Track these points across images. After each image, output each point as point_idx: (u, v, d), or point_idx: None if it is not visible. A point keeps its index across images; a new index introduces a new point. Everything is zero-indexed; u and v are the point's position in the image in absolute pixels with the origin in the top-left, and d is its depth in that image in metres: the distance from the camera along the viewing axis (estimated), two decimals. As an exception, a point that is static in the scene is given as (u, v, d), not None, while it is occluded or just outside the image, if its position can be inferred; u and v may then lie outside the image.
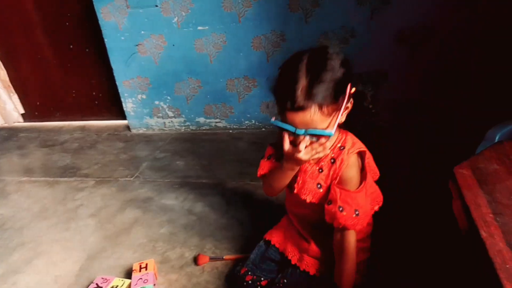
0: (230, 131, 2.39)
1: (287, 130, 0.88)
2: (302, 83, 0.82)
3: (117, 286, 1.20)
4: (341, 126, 0.97)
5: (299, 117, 0.84)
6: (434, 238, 1.28)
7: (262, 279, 1.12)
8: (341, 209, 0.95)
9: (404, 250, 1.27)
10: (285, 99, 0.84)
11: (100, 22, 2.20)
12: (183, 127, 2.47)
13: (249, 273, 1.13)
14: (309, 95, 0.82)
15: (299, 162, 0.94)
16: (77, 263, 1.43)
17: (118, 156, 2.27)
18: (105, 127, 2.71)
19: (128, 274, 1.32)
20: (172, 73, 2.28)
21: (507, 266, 0.41)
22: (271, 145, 1.12)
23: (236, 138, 2.30)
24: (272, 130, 2.32)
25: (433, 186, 1.57)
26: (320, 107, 0.82)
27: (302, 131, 0.86)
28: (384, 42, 1.94)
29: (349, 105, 0.91)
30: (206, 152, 2.18)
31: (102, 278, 1.24)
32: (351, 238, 0.99)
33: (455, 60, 1.92)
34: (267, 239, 1.23)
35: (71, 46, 2.52)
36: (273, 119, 0.89)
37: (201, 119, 2.41)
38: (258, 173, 1.13)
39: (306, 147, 0.89)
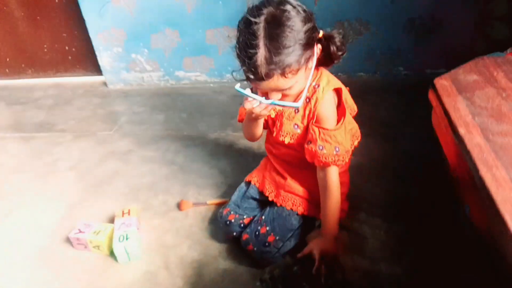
0: (211, 85, 2.35)
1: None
2: (261, 53, 0.78)
3: (100, 231, 1.19)
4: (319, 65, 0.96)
5: (263, 84, 0.83)
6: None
7: (245, 217, 1.14)
8: (321, 147, 0.95)
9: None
10: (246, 70, 0.81)
11: (68, -32, 2.07)
12: (162, 82, 2.41)
13: (232, 212, 1.15)
14: (270, 66, 0.78)
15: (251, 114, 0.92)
16: (58, 212, 1.42)
17: (96, 112, 2.21)
18: (81, 83, 2.61)
19: (111, 221, 1.31)
20: (148, 24, 2.18)
21: (484, 155, 0.42)
22: None
23: (217, 92, 2.26)
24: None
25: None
26: (283, 73, 0.80)
27: (269, 101, 0.85)
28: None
29: (318, 50, 0.88)
30: (186, 106, 2.14)
31: (85, 224, 1.23)
32: (334, 175, 1.00)
33: (434, 7, 1.90)
34: (247, 180, 1.25)
35: (39, -3, 2.37)
36: (237, 85, 0.87)
37: (181, 73, 2.35)
38: (238, 119, 1.15)
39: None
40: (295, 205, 1.09)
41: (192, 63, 2.29)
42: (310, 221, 1.11)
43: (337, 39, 0.90)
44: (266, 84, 0.82)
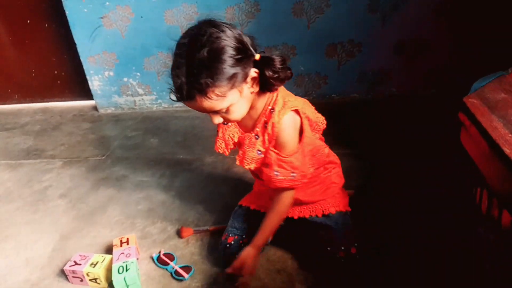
0: (204, 107, 2.32)
1: None
2: (182, 73, 0.78)
3: (98, 262, 1.13)
4: (263, 89, 0.91)
5: (191, 105, 0.83)
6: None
7: (244, 236, 1.12)
8: (277, 174, 0.96)
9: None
10: (173, 91, 0.82)
11: (60, -8, 2.05)
12: (155, 105, 2.37)
13: (230, 235, 1.13)
14: (189, 87, 0.78)
15: None
16: (49, 244, 1.34)
17: (86, 137, 2.15)
18: (70, 108, 2.56)
19: (108, 251, 1.25)
20: (141, 47, 2.16)
21: None
22: None
23: (211, 114, 2.23)
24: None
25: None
26: (204, 95, 0.78)
27: None
28: (359, 11, 1.93)
29: (254, 74, 0.85)
30: (180, 129, 2.10)
31: (80, 256, 1.16)
32: (286, 199, 1.02)
33: (423, 29, 1.94)
34: (242, 204, 1.25)
35: (29, 21, 2.34)
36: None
37: (174, 96, 2.31)
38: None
39: None
40: (317, 211, 1.11)
41: (185, 86, 2.26)
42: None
43: (277, 61, 0.86)
44: (193, 106, 0.82)
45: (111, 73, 2.27)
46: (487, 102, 0.55)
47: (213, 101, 0.80)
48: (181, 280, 1.11)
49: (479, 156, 0.58)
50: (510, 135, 0.47)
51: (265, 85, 0.89)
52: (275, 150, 0.95)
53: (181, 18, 2.04)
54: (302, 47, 2.06)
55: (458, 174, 1.13)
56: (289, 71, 0.90)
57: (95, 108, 2.46)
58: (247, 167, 1.01)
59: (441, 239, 1.13)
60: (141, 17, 2.06)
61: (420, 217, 1.23)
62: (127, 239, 1.20)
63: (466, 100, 0.55)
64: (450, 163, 1.30)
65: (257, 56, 0.85)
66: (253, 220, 1.16)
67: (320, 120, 1.04)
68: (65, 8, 2.09)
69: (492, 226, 0.88)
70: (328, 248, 1.04)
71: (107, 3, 2.05)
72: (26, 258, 1.28)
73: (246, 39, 0.84)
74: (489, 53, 1.88)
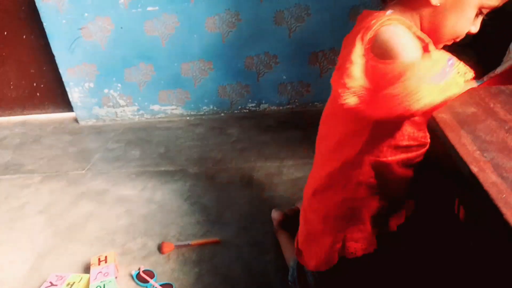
0: (187, 118, 2.30)
1: None
2: None
3: (74, 282, 1.10)
4: None
5: None
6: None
7: None
8: None
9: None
10: None
11: (37, 4, 2.01)
12: (137, 116, 2.34)
13: None
14: None
15: None
16: (25, 263, 1.30)
17: (66, 150, 2.11)
18: (50, 120, 2.50)
19: (86, 270, 1.21)
20: (122, 58, 2.14)
21: (504, 196, 0.40)
22: None
23: (194, 125, 2.21)
24: (231, 115, 2.26)
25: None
26: None
27: None
28: (340, 19, 1.94)
29: None
30: (163, 140, 2.08)
31: (57, 276, 1.13)
32: None
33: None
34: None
35: (5, 33, 2.29)
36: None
37: (156, 107, 2.29)
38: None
39: None
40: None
41: (168, 96, 2.25)
42: None
43: None
44: None
45: (92, 85, 2.24)
46: (457, 117, 0.55)
47: None
48: None
49: (446, 170, 0.58)
50: (478, 152, 0.47)
51: None
52: None
53: (161, 29, 2.02)
54: (283, 55, 2.06)
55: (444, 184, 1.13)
56: None
57: (75, 120, 2.42)
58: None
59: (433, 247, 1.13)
60: (121, 28, 2.04)
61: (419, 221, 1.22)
62: (106, 257, 1.18)
63: (435, 115, 0.55)
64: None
65: None
66: None
67: None
68: (42, 19, 2.05)
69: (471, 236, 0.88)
70: None
71: (86, 14, 2.02)
72: (1, 279, 1.24)
73: None
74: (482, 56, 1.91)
